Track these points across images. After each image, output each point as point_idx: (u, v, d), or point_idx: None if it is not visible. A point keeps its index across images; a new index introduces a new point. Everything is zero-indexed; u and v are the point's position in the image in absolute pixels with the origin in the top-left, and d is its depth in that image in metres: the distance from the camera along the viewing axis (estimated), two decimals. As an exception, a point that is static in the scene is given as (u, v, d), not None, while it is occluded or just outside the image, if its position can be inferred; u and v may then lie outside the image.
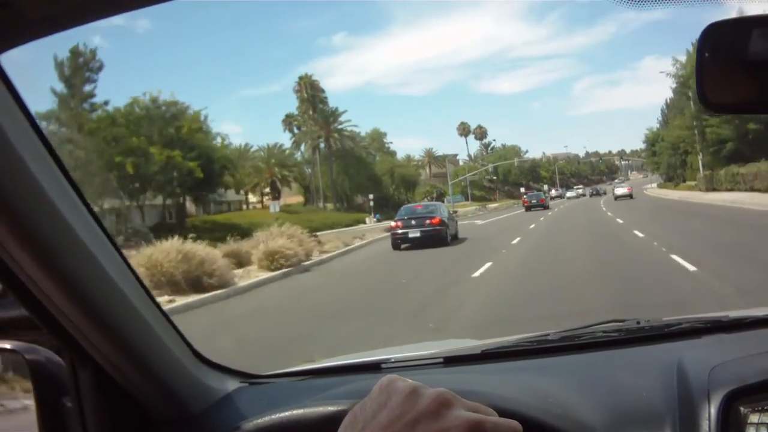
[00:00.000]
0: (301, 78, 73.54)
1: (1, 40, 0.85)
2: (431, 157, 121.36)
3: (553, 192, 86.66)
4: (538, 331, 1.61)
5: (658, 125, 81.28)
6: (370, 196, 61.73)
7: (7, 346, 1.28)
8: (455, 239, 22.84)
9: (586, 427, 1.03)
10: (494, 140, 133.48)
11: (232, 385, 1.43)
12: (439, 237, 21.11)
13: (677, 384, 1.09)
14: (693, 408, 1.00)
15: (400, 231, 21.74)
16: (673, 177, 71.82)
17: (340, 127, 72.32)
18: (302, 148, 74.23)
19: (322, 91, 74.69)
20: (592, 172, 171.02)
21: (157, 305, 1.22)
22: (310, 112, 72.75)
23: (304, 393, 1.26)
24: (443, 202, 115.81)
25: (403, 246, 21.44)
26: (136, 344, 1.15)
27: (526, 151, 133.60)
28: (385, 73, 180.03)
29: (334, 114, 73.50)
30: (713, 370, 1.06)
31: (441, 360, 1.48)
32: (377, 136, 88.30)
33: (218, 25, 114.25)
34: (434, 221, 21.69)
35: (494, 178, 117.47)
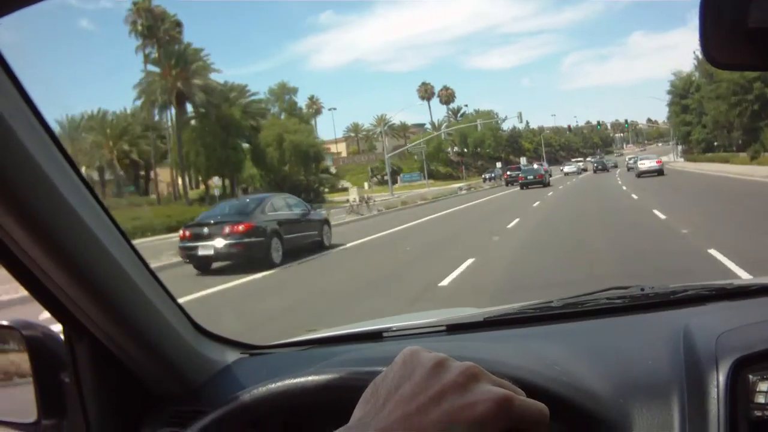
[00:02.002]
0: (135, 4, 46.58)
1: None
2: (383, 125, 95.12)
3: (535, 166, 62.46)
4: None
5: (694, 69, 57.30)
6: (215, 180, 37.19)
7: (4, 322, 1.26)
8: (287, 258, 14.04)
9: (592, 394, 1.02)
10: (465, 105, 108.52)
11: (232, 356, 1.41)
12: (247, 254, 13.49)
13: (684, 351, 1.07)
14: (701, 375, 0.99)
15: (188, 244, 13.75)
16: (720, 145, 47.74)
17: (198, 78, 47.01)
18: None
19: (178, 25, 47.60)
20: (584, 144, 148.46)
21: (155, 277, 1.20)
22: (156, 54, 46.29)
23: (305, 362, 1.23)
24: (397, 181, 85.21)
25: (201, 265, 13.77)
26: (134, 317, 1.14)
27: (504, 118, 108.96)
28: (373, 51, 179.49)
29: (186, 53, 47.35)
30: (720, 337, 1.04)
31: (443, 328, 1.46)
32: (282, 92, 61.77)
33: (204, 4, 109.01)
34: (238, 229, 13.47)
35: (464, 150, 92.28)
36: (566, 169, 76.34)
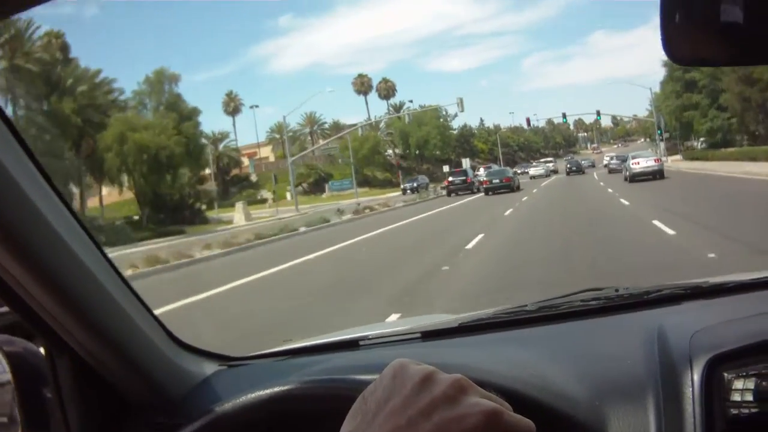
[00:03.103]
0: None
1: None
2: (313, 123, 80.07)
3: (481, 171, 48.96)
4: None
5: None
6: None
7: None
8: None
9: (567, 398, 1.02)
10: (410, 101, 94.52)
11: (210, 368, 1.41)
12: None
13: (658, 351, 1.08)
14: (675, 375, 0.99)
15: None
16: (729, 140, 34.69)
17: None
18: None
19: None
20: (546, 144, 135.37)
21: (133, 291, 1.21)
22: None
23: (283, 373, 1.25)
24: (325, 190, 68.54)
25: None
26: (113, 331, 1.14)
27: (455, 115, 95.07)
28: (332, 54, 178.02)
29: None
30: (694, 336, 1.05)
31: (418, 335, 1.47)
32: (159, 82, 46.77)
33: (161, 7, 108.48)
34: None
35: (406, 152, 78.15)
36: (532, 171, 66.34)
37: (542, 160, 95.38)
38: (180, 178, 43.15)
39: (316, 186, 73.58)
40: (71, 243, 1.03)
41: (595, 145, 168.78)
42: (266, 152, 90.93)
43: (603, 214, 17.12)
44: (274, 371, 1.38)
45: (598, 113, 60.07)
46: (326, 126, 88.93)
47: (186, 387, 1.31)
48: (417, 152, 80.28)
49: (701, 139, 54.80)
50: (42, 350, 1.21)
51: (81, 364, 1.17)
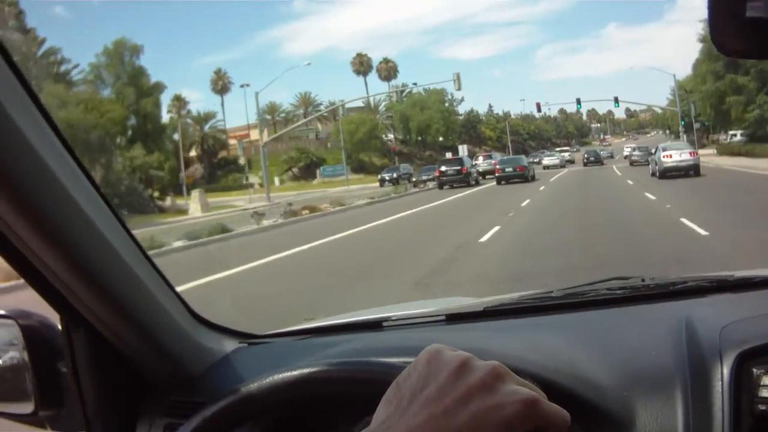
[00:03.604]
0: None
1: None
2: (307, 104, 74.30)
3: (480, 159, 43.08)
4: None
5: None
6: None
7: (1, 311, 1.25)
8: None
9: (597, 387, 1.01)
10: (414, 84, 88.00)
11: (230, 345, 1.40)
12: None
13: (687, 343, 1.06)
14: (704, 368, 0.98)
15: None
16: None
17: None
18: None
19: None
20: (558, 134, 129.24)
21: (153, 264, 1.19)
22: None
23: (304, 352, 1.24)
24: (317, 175, 62.61)
25: None
26: (132, 305, 1.13)
27: (461, 100, 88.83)
28: (346, 39, 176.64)
29: None
30: (724, 330, 1.03)
31: (443, 317, 1.45)
32: (118, 53, 42.10)
33: None
34: None
35: (406, 137, 72.40)
36: (546, 161, 59.82)
37: (558, 149, 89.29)
38: (133, 161, 37.55)
39: (308, 171, 67.85)
40: (90, 213, 1.01)
41: (603, 136, 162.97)
42: (255, 135, 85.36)
43: (652, 242, 10.44)
44: (295, 350, 1.37)
45: (616, 100, 53.97)
46: (322, 107, 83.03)
47: (205, 364, 1.29)
48: (419, 138, 74.22)
49: (732, 132, 48.35)
50: (59, 325, 1.18)
51: (98, 338, 1.15)
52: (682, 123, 48.94)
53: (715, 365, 0.96)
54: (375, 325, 1.47)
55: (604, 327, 1.28)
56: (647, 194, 19.08)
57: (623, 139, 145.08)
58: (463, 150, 52.15)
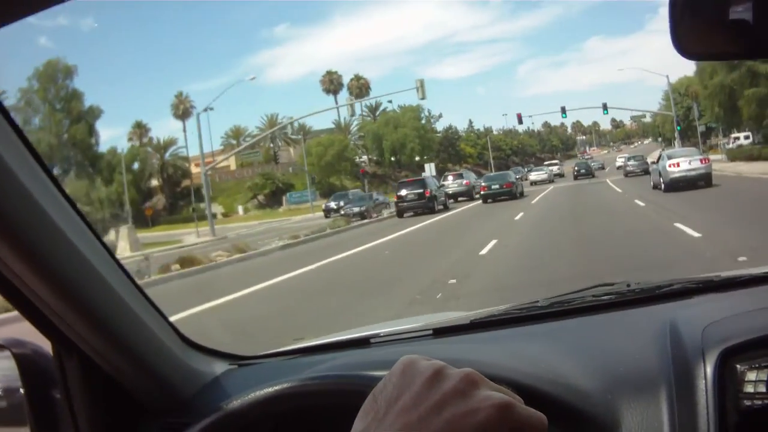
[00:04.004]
0: None
1: None
2: (273, 126, 69.47)
3: (450, 179, 37.70)
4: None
5: None
6: None
7: None
8: None
9: (580, 392, 1.02)
10: (389, 101, 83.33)
11: (220, 368, 1.42)
12: None
13: (670, 345, 1.08)
14: (688, 368, 0.99)
15: None
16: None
17: None
18: None
19: None
20: (542, 148, 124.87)
21: (141, 291, 1.21)
22: None
23: (293, 371, 1.25)
24: (283, 202, 57.48)
25: None
26: (122, 332, 1.15)
27: (439, 116, 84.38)
28: (329, 63, 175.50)
29: None
30: (706, 329, 1.05)
31: (430, 332, 1.46)
32: (51, 75, 37.71)
33: (155, 18, 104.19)
34: None
35: (380, 158, 67.60)
36: (533, 176, 53.49)
37: (547, 162, 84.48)
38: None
39: (274, 198, 62.58)
40: (79, 244, 1.03)
41: (584, 149, 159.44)
42: (229, 160, 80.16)
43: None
44: (284, 370, 1.37)
45: (605, 107, 49.29)
46: (288, 129, 78.01)
47: (196, 386, 1.31)
48: (393, 158, 69.15)
49: (735, 135, 43.49)
50: (51, 352, 1.20)
51: (90, 365, 1.16)
52: (678, 128, 44.19)
53: (698, 364, 0.96)
54: (363, 342, 1.48)
55: (589, 333, 1.29)
56: (684, 228, 11.40)
57: (605, 152, 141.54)
58: (429, 169, 46.17)
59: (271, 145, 76.02)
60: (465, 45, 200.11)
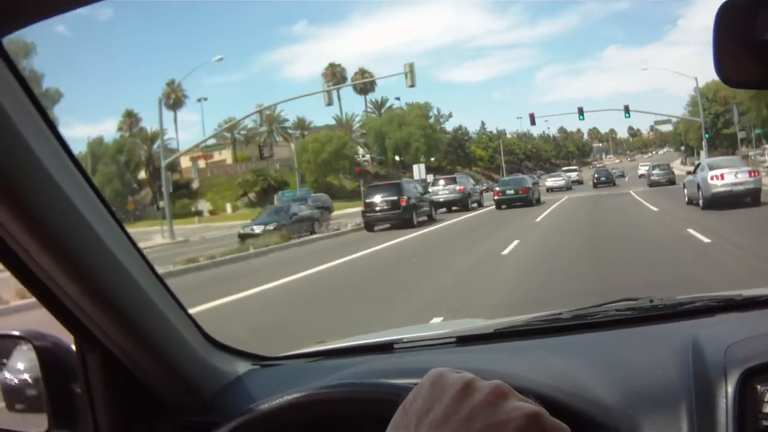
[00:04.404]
0: None
1: (4, 22, 0.84)
2: (272, 121, 65.90)
3: (441, 184, 32.39)
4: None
5: None
6: None
7: (16, 332, 1.28)
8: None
9: (601, 406, 1.02)
10: (397, 98, 78.86)
11: (242, 367, 1.41)
12: None
13: (693, 362, 1.08)
14: (709, 386, 0.99)
15: None
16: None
17: None
18: None
19: None
20: (557, 154, 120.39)
21: (167, 287, 1.21)
22: None
23: (316, 374, 1.25)
24: (274, 201, 51.34)
25: None
26: (145, 328, 1.14)
27: (449, 116, 79.87)
28: (346, 62, 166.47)
29: None
30: (729, 348, 1.05)
31: (453, 339, 1.46)
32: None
33: (178, 16, 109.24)
34: None
35: (383, 157, 63.45)
36: (550, 182, 49.88)
37: (565, 168, 79.72)
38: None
39: (265, 196, 58.18)
40: (105, 238, 1.03)
41: (611, 155, 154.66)
42: (225, 154, 75.87)
43: None
44: (307, 372, 1.38)
45: (627, 110, 44.73)
46: (288, 124, 73.62)
47: (217, 385, 1.31)
48: (399, 158, 64.55)
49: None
50: (73, 346, 1.20)
51: (111, 359, 1.16)
52: (707, 135, 39.49)
53: (720, 383, 0.97)
54: (386, 348, 1.47)
55: (612, 348, 1.29)
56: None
57: (617, 160, 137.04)
58: (418, 171, 39.99)
59: (267, 139, 71.71)
60: (483, 49, 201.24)
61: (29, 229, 0.92)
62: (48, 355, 1.22)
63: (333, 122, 72.80)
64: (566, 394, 1.02)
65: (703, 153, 38.86)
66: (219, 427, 1.04)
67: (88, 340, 1.14)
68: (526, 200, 29.08)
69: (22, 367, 1.29)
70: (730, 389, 0.95)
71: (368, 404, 1.01)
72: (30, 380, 1.27)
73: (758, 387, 0.94)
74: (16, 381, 1.31)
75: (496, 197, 30.20)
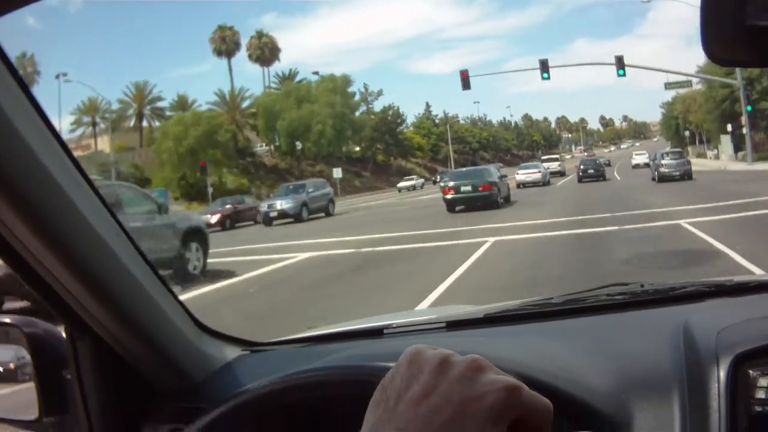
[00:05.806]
0: None
1: None
2: (142, 99, 49.52)
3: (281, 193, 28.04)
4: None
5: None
6: None
7: (6, 320, 1.28)
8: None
9: (592, 390, 1.03)
10: (315, 73, 63.51)
11: (232, 353, 1.42)
12: None
13: (684, 347, 1.09)
14: (701, 371, 1.00)
15: None
16: None
17: None
18: None
19: None
20: (520, 144, 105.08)
21: (157, 274, 1.21)
22: None
23: (306, 359, 1.26)
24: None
25: None
26: (136, 314, 1.15)
27: (378, 94, 64.32)
28: (314, 54, 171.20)
29: None
30: (720, 333, 1.06)
31: (443, 324, 1.48)
32: None
33: (144, 6, 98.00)
34: None
35: (275, 144, 47.95)
36: (521, 175, 37.73)
37: (545, 157, 64.36)
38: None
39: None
40: (94, 223, 1.03)
41: (580, 146, 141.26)
42: (103, 143, 59.34)
43: None
44: (297, 357, 1.39)
45: (621, 64, 30.31)
46: (164, 103, 57.41)
47: (208, 371, 1.31)
48: (300, 146, 48.29)
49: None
50: (63, 333, 1.21)
51: (102, 346, 1.17)
52: (749, 108, 27.01)
53: (711, 368, 0.98)
54: (376, 333, 1.48)
55: (603, 332, 1.30)
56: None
57: (585, 154, 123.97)
58: (338, 172, 25.63)
59: (137, 121, 55.42)
60: (452, 41, 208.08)
61: (18, 215, 0.91)
62: (38, 342, 1.22)
63: (215, 98, 56.38)
64: (557, 378, 1.02)
65: (725, 139, 30.29)
66: (209, 411, 1.05)
67: (78, 327, 1.14)
68: (488, 199, 23.18)
69: (12, 354, 1.27)
70: (722, 374, 0.95)
71: (352, 386, 1.01)
72: (20, 367, 1.26)
73: (750, 372, 0.95)
74: (5, 368, 1.29)
75: (446, 195, 24.19)
